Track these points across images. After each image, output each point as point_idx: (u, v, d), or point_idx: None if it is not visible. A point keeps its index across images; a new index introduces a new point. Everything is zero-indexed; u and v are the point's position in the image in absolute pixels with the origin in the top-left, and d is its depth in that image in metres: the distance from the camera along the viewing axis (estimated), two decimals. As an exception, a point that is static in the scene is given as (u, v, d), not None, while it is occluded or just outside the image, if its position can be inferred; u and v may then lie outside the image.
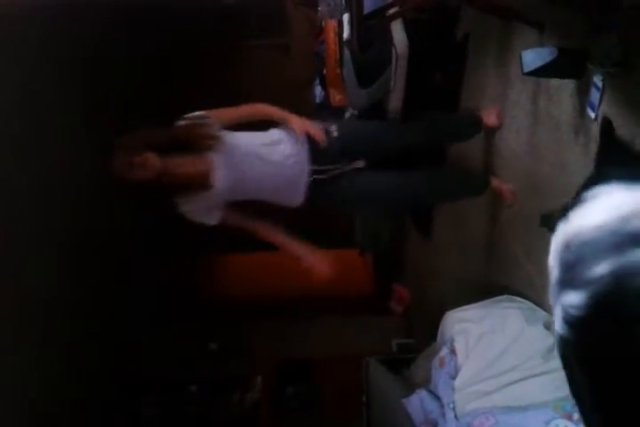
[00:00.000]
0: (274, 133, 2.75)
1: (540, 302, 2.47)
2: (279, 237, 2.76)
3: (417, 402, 2.25)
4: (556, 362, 1.93)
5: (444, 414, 2.03)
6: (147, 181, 2.45)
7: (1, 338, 3.24)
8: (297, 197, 2.72)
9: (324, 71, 4.06)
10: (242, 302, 6.24)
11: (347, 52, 3.60)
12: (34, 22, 3.59)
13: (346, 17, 3.40)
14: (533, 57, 2.01)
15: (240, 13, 5.44)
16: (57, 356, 3.87)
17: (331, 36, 3.80)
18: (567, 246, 0.73)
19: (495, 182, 2.97)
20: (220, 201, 2.61)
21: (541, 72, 2.03)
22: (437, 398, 2.16)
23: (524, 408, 1.88)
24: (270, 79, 5.90)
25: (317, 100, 4.60)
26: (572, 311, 0.68)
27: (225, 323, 5.94)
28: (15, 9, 3.25)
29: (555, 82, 2.22)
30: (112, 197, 4.54)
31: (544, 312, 2.28)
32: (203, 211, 2.59)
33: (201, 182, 2.50)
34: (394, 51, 3.30)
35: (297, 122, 2.71)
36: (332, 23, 3.81)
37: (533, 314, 2.31)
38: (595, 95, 1.90)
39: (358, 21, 2.89)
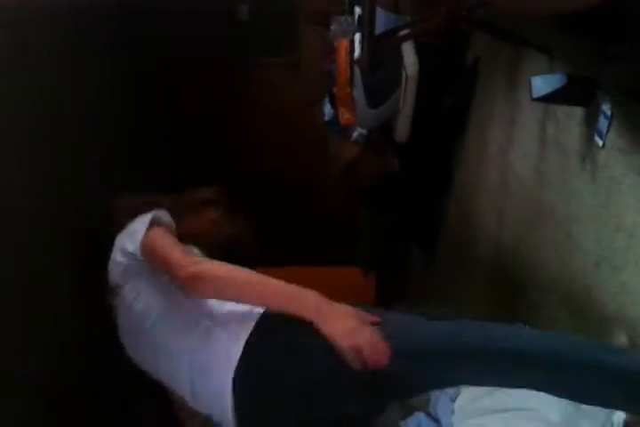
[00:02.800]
0: None
1: (543, 328, 2.47)
2: None
3: (414, 425, 2.23)
4: None
5: (441, 438, 2.02)
6: None
7: None
8: None
9: (334, 90, 4.09)
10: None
11: (357, 72, 3.63)
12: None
13: (357, 36, 3.44)
14: (542, 83, 2.02)
15: (251, 30, 5.48)
16: (54, 354, 3.85)
17: (342, 54, 3.83)
18: None
19: None
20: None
21: (550, 98, 2.04)
22: (436, 420, 2.14)
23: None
24: (279, 97, 5.93)
25: (326, 119, 4.63)
26: None
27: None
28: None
29: (563, 108, 2.23)
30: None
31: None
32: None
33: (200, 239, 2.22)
34: (404, 72, 3.34)
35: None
36: (344, 42, 3.84)
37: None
38: (603, 123, 1.91)
39: (370, 41, 2.92)
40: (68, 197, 3.82)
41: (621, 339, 1.85)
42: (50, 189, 3.61)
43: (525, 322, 2.54)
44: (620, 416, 1.86)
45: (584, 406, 1.90)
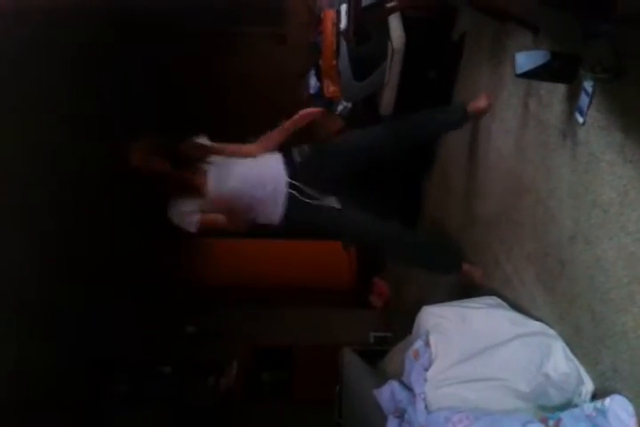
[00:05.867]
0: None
1: (516, 302, 2.51)
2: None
3: (388, 393, 2.27)
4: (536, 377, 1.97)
5: (414, 404, 2.06)
6: (154, 176, 2.75)
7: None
8: (277, 210, 2.86)
9: (320, 62, 4.07)
10: (223, 288, 6.26)
11: (343, 44, 3.62)
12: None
13: (344, 8, 3.41)
14: (526, 59, 2.03)
15: (237, 1, 5.42)
16: (30, 327, 3.87)
17: (328, 26, 3.81)
18: None
19: (466, 267, 3.08)
20: (202, 207, 2.84)
21: (533, 75, 2.05)
22: (409, 389, 2.19)
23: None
24: (265, 68, 5.89)
25: (312, 91, 4.61)
26: None
27: (205, 307, 5.96)
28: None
29: (546, 85, 2.25)
30: (99, 183, 4.58)
31: (528, 318, 2.30)
32: (187, 215, 2.82)
33: (195, 189, 2.80)
34: (390, 45, 3.32)
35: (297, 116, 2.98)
36: (331, 13, 3.82)
37: (517, 317, 2.33)
38: (584, 100, 1.93)
39: (356, 12, 2.90)
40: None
41: (588, 315, 1.90)
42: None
43: (500, 296, 2.60)
44: (587, 388, 1.92)
45: (553, 377, 1.95)
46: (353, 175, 3.04)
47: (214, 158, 2.88)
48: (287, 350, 5.96)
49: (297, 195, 2.85)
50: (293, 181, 2.85)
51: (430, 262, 3.14)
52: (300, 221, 2.90)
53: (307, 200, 2.87)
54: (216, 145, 2.93)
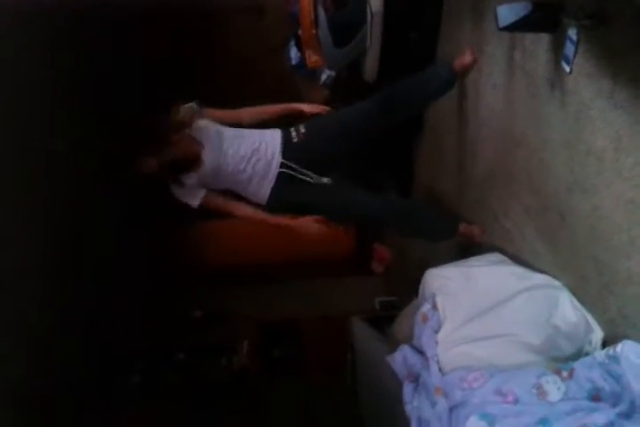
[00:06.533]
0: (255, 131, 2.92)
1: (518, 257, 2.52)
2: (259, 214, 2.88)
3: (400, 358, 2.28)
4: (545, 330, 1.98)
5: (427, 367, 2.07)
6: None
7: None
8: (265, 187, 2.84)
9: (299, 32, 4.01)
10: (223, 268, 6.26)
11: (321, 12, 3.56)
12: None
13: (320, -25, 3.35)
14: (508, 12, 2.00)
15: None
16: (42, 323, 3.88)
17: (305, -5, 3.74)
18: None
19: (463, 227, 3.06)
20: (204, 183, 2.80)
21: (516, 27, 2.02)
22: (421, 352, 2.20)
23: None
24: (244, 42, 5.81)
25: (293, 62, 4.56)
26: None
27: (208, 290, 5.97)
28: None
29: (530, 36, 2.22)
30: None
31: (532, 271, 2.31)
32: (189, 191, 2.80)
33: (192, 160, 2.74)
34: (369, 9, 3.27)
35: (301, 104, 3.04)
36: (306, -18, 3.75)
37: (521, 271, 2.33)
38: (569, 48, 1.90)
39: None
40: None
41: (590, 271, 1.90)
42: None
43: (502, 252, 2.61)
44: (597, 335, 1.93)
45: (562, 328, 1.96)
46: (346, 152, 3.01)
47: (207, 124, 2.84)
48: (294, 325, 6.00)
49: (289, 174, 2.82)
50: (286, 161, 2.82)
51: (428, 231, 3.13)
52: (289, 201, 2.87)
53: (300, 178, 2.84)
54: (206, 109, 2.90)
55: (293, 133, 2.89)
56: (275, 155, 2.82)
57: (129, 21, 5.25)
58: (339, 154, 2.98)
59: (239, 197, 2.93)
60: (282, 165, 2.81)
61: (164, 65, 5.62)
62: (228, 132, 2.86)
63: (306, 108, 3.02)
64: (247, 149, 2.80)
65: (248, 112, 2.99)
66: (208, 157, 2.75)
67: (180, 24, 5.71)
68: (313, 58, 3.89)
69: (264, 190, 2.84)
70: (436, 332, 2.17)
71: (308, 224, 2.84)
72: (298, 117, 3.02)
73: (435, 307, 2.21)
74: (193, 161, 2.73)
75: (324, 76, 4.23)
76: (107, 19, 4.96)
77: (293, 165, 2.82)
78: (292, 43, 4.48)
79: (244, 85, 5.33)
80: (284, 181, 2.82)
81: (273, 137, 2.88)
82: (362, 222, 3.19)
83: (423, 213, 3.16)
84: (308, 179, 2.85)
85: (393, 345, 2.51)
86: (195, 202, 2.81)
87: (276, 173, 2.81)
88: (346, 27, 3.49)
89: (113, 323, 4.96)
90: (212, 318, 5.92)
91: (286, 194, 2.84)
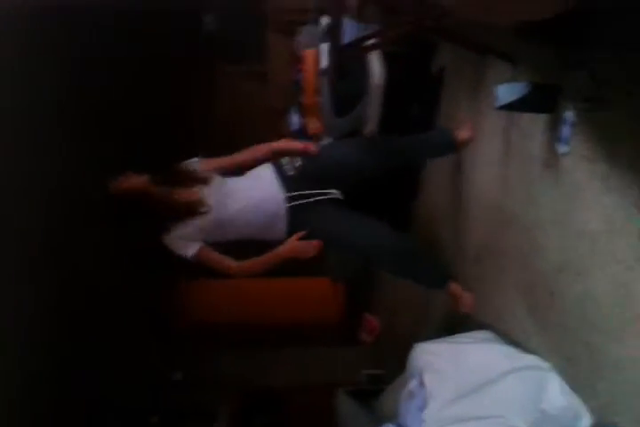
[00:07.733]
0: (252, 172, 2.83)
1: (508, 336, 2.47)
2: (251, 261, 2.74)
3: (384, 436, 2.21)
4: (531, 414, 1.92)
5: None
6: (141, 199, 2.62)
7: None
8: (280, 227, 2.73)
9: (302, 99, 4.09)
10: (208, 330, 6.15)
11: (324, 81, 3.63)
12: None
13: (325, 46, 3.44)
14: (507, 91, 2.04)
15: (219, 40, 5.46)
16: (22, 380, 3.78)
17: (309, 64, 3.83)
18: None
19: (454, 287, 2.97)
20: (203, 233, 2.68)
21: (514, 106, 2.05)
22: (405, 430, 2.13)
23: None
24: (247, 106, 5.91)
25: (294, 128, 4.62)
26: None
27: (190, 352, 5.84)
28: None
29: (527, 116, 2.25)
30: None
31: (522, 352, 2.26)
32: (184, 241, 2.66)
33: (191, 208, 2.64)
34: (370, 81, 3.34)
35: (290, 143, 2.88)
36: (312, 51, 3.84)
37: (511, 350, 2.29)
38: (566, 130, 1.93)
39: (336, 51, 2.92)
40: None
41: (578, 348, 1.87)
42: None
43: (492, 330, 2.56)
44: (585, 421, 1.87)
45: (550, 412, 1.91)
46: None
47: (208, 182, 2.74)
48: (278, 392, 5.85)
49: (298, 204, 2.72)
50: (290, 194, 2.72)
51: (423, 273, 2.99)
52: (302, 225, 2.73)
53: (313, 201, 2.75)
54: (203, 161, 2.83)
55: (287, 167, 2.79)
56: (279, 196, 2.72)
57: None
58: (341, 173, 2.88)
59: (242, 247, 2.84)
60: (288, 200, 2.72)
61: (163, 122, 5.68)
62: (229, 184, 2.76)
63: (299, 146, 2.85)
64: (249, 200, 2.70)
65: (243, 157, 2.88)
66: (212, 210, 2.66)
67: (186, 84, 5.82)
68: (313, 125, 3.94)
69: (279, 228, 2.74)
70: (422, 410, 2.10)
71: (299, 247, 2.69)
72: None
73: (422, 384, 2.15)
74: (189, 209, 2.64)
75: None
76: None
77: (299, 193, 2.73)
78: (295, 109, 4.55)
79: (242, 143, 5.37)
80: (295, 211, 2.72)
81: (270, 180, 2.76)
82: (358, 252, 3.00)
83: (423, 253, 3.06)
84: (321, 197, 2.77)
85: (378, 421, 2.44)
86: (188, 253, 2.67)
87: (284, 210, 2.71)
88: (347, 97, 3.56)
89: (89, 378, 4.82)
90: (192, 380, 5.77)
91: (304, 223, 2.73)
